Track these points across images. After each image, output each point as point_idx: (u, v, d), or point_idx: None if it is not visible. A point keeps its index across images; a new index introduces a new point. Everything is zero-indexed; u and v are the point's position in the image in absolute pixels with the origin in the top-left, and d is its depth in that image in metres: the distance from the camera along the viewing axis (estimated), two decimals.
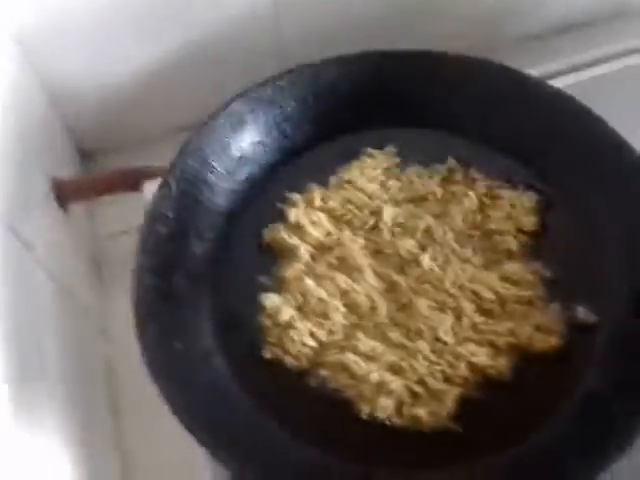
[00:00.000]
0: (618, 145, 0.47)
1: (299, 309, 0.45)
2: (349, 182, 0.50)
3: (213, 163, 0.49)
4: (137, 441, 0.51)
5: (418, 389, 0.42)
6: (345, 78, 0.52)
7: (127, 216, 0.55)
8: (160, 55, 0.58)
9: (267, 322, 0.45)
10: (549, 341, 0.44)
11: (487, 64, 0.51)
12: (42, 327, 0.44)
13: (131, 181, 0.55)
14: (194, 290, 0.46)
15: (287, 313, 0.45)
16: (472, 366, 0.43)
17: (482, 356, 0.43)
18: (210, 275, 0.47)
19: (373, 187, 0.50)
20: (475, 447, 0.41)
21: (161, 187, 0.46)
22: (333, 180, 0.51)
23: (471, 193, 0.49)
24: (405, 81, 0.52)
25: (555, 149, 0.50)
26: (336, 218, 0.49)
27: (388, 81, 0.52)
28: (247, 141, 0.51)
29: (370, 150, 0.52)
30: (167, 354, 0.42)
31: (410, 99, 0.52)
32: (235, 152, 0.50)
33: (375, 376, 0.43)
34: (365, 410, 0.42)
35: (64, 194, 0.55)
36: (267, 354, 0.44)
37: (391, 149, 0.52)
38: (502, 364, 0.43)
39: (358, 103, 0.52)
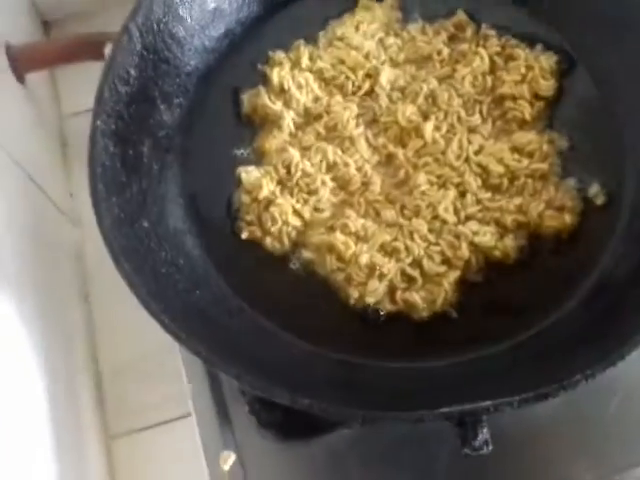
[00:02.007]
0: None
1: (281, 184, 0.43)
2: (341, 39, 0.47)
3: (183, 14, 0.45)
4: (106, 326, 0.52)
5: (413, 272, 0.41)
6: None
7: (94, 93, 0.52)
8: None
9: (245, 198, 0.43)
10: (562, 219, 0.41)
11: None
12: None
13: (93, 47, 0.52)
14: (163, 162, 0.43)
15: (267, 188, 0.42)
16: (474, 247, 0.42)
17: (486, 236, 0.41)
18: (180, 146, 0.45)
19: (369, 45, 0.47)
20: (475, 335, 0.39)
21: (120, 36, 0.41)
22: (323, 36, 0.48)
23: (482, 52, 0.46)
24: None
25: (576, 4, 0.45)
26: (326, 81, 0.46)
27: None
28: None
29: (367, 1, 0.48)
30: (130, 233, 0.39)
31: None
32: (209, 2, 0.46)
33: (365, 258, 0.41)
34: (353, 295, 0.41)
35: (20, 62, 0.53)
36: (244, 234, 0.42)
37: (391, 0, 0.48)
38: (508, 245, 0.42)
39: None
